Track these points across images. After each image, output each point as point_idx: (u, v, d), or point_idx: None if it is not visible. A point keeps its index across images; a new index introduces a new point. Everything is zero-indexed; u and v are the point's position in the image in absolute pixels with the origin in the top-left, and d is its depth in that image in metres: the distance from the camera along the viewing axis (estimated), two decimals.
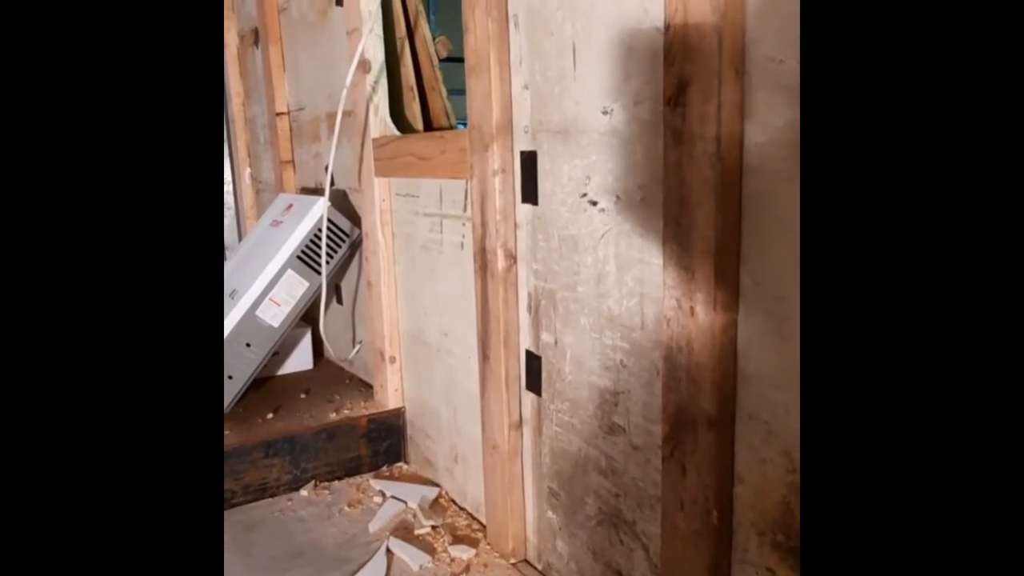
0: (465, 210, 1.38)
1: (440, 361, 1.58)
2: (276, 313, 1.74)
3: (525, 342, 1.25)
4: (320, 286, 1.76)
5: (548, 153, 1.13)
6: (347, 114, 1.74)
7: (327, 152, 2.04)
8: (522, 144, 1.18)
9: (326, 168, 2.05)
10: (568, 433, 1.17)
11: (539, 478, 1.28)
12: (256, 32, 2.40)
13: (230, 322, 1.67)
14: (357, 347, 2.00)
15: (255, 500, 1.63)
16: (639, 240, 0.97)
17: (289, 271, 1.75)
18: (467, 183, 1.35)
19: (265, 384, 1.99)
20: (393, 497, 1.63)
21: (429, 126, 1.74)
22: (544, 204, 1.15)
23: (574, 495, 1.18)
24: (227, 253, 3.32)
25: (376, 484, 1.70)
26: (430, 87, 1.77)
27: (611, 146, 1.00)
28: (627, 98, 0.96)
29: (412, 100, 1.74)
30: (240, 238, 3.11)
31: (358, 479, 1.74)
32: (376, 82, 1.64)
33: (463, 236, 1.40)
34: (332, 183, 2.01)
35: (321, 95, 2.03)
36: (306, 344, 2.12)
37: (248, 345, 1.72)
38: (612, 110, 0.98)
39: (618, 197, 1.00)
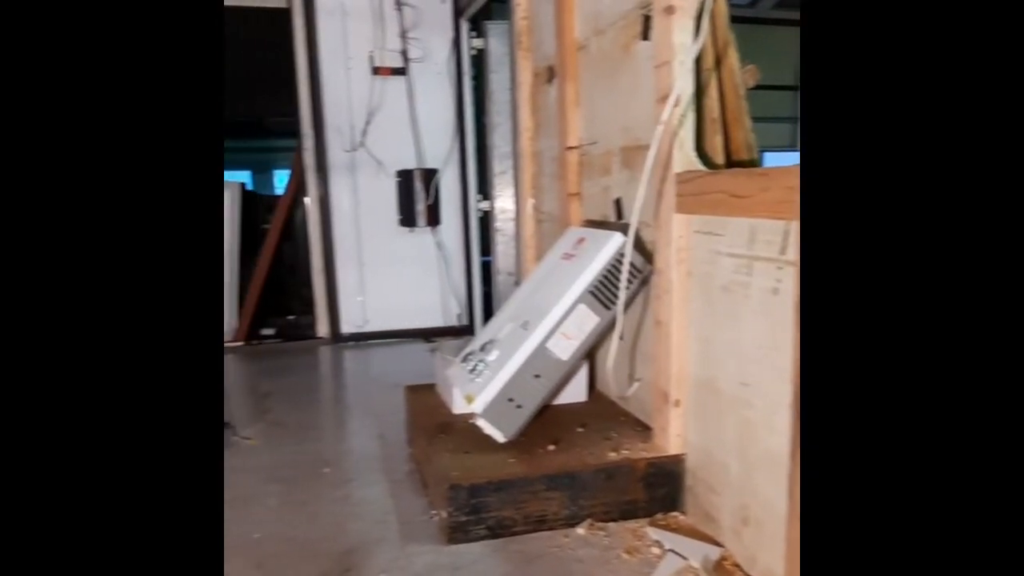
0: (783, 253, 1.27)
1: (735, 412, 1.47)
2: (566, 347, 1.75)
3: None
4: (611, 321, 1.74)
5: None
6: (644, 148, 1.71)
7: (619, 186, 2.03)
8: None
9: (616, 202, 2.04)
10: None
11: None
12: (551, 69, 2.48)
13: (523, 353, 1.71)
14: (635, 384, 1.95)
15: (534, 531, 1.64)
16: None
17: (581, 306, 1.75)
18: (789, 224, 1.23)
19: (543, 413, 2.00)
20: (672, 551, 1.54)
21: (729, 160, 1.65)
22: None
23: None
24: (506, 278, 3.49)
25: (653, 533, 1.62)
26: (733, 119, 1.68)
27: None
28: None
29: (715, 133, 1.66)
30: (518, 265, 3.25)
31: (633, 524, 1.68)
32: (683, 116, 1.58)
33: (778, 281, 1.29)
34: (623, 217, 1.99)
35: (615, 129, 2.03)
36: (582, 376, 2.11)
37: (537, 376, 1.75)
38: None
39: None
